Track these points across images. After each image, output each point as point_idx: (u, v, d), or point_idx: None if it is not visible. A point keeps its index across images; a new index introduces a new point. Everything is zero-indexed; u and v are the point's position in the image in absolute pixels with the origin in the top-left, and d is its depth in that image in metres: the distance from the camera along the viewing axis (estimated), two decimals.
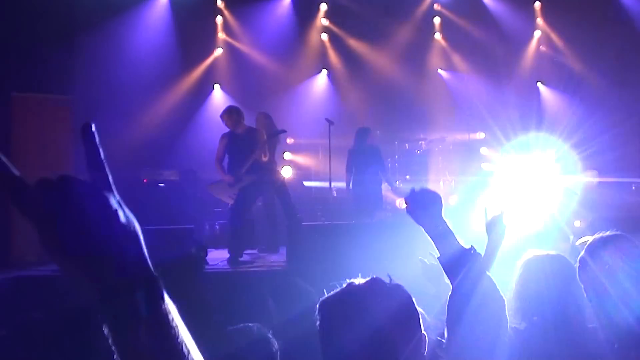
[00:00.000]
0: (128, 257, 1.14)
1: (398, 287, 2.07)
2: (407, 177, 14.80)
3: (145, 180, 13.20)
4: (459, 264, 2.45)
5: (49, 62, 12.39)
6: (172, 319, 1.17)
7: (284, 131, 10.85)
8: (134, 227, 1.17)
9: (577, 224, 13.96)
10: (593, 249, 3.03)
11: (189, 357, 1.17)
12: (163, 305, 1.16)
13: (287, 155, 15.60)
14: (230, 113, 10.38)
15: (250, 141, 10.24)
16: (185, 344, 1.17)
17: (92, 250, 1.10)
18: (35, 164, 11.69)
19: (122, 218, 1.15)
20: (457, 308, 2.40)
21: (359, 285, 2.03)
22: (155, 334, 1.13)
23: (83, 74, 13.13)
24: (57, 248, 1.10)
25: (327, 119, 11.05)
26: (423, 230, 2.56)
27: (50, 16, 12.29)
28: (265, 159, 10.27)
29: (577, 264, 3.13)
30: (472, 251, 2.49)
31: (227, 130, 10.41)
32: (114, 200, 1.16)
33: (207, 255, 9.26)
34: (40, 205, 1.11)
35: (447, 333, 2.43)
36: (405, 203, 2.58)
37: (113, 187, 1.18)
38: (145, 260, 1.17)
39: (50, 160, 11.82)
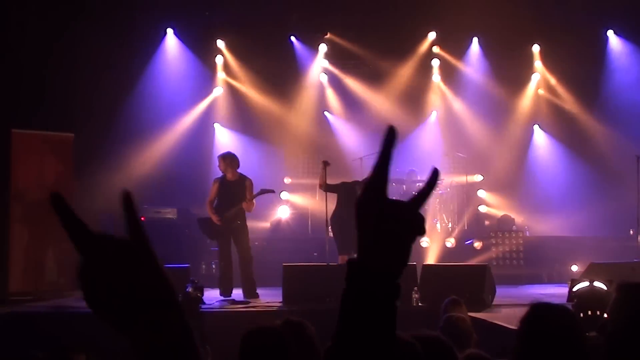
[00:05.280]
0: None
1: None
2: None
3: (143, 218, 13.18)
4: None
5: (51, 99, 12.50)
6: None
7: (272, 191, 11.71)
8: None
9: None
10: None
11: None
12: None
13: (284, 195, 15.65)
14: (224, 158, 11.19)
15: (239, 188, 11.02)
16: None
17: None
18: (34, 201, 11.74)
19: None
20: None
21: None
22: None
23: (85, 112, 13.23)
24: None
25: (323, 161, 11.24)
26: None
27: (52, 53, 12.44)
28: (249, 211, 11.17)
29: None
30: None
31: (220, 174, 11.18)
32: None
33: (203, 294, 9.29)
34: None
35: None
36: None
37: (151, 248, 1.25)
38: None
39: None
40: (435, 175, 1.33)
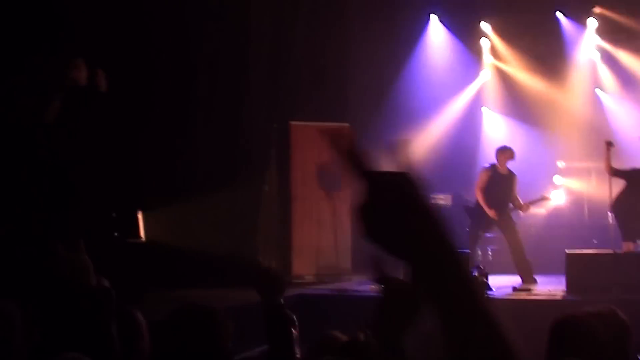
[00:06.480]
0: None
1: None
2: None
3: None
4: None
5: (324, 90, 13.08)
6: None
7: (549, 199, 12.26)
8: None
9: None
10: None
11: None
12: None
13: (558, 180, 15.09)
14: (504, 152, 11.45)
15: (509, 183, 11.35)
16: None
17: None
18: (314, 189, 12.45)
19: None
20: None
21: None
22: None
23: (356, 101, 13.71)
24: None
25: (607, 142, 10.75)
26: None
27: (322, 48, 13.00)
28: (523, 212, 11.77)
29: None
30: None
31: (489, 164, 11.58)
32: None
33: (488, 280, 9.31)
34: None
35: None
36: None
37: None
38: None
39: (327, 185, 12.47)
40: None
